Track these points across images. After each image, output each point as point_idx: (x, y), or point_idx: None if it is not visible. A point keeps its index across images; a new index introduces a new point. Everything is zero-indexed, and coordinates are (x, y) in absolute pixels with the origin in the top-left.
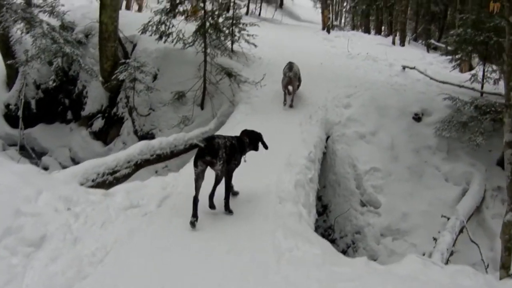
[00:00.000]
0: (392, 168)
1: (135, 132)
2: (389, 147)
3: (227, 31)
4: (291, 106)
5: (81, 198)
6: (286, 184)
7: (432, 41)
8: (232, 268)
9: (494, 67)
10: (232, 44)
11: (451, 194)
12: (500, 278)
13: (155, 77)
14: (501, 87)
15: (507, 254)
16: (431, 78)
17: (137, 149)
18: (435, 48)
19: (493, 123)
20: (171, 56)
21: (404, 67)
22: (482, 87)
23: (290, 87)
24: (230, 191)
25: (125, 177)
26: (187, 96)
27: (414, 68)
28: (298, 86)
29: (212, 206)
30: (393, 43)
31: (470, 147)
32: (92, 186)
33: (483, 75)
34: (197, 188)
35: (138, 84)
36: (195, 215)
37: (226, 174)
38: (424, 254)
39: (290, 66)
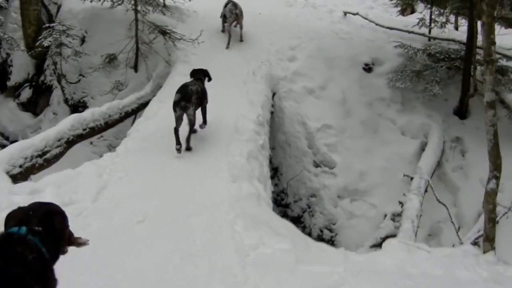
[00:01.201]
0: (345, 124)
1: (66, 101)
2: (340, 102)
3: None
4: (241, 40)
5: (3, 202)
6: (237, 157)
7: None
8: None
9: (442, 10)
10: None
11: (409, 148)
12: (484, 252)
13: (83, 40)
14: (449, 31)
15: (491, 226)
16: (376, 24)
17: (68, 124)
18: None
19: (447, 70)
20: (99, 16)
21: (345, 13)
22: (429, 31)
23: (236, 25)
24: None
25: (57, 157)
26: (119, 58)
27: (357, 14)
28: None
29: (188, 148)
30: None
31: (426, 97)
32: (20, 173)
33: (430, 19)
34: (178, 125)
35: (65, 49)
36: (178, 142)
37: (202, 111)
38: (386, 216)
39: (234, 3)
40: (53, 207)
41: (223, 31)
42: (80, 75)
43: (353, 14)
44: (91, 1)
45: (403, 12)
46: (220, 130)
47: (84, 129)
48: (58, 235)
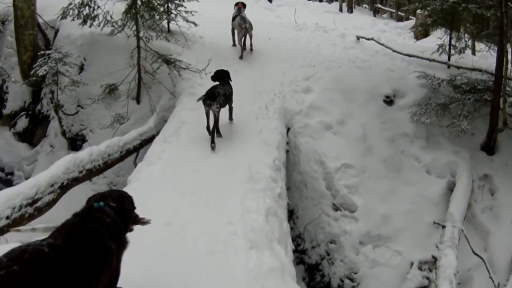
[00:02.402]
0: (366, 163)
1: (63, 133)
2: (360, 138)
3: (161, 9)
4: (251, 50)
5: None
6: (254, 215)
7: (379, 5)
8: None
9: (463, 34)
10: (168, 23)
11: (435, 189)
12: None
13: (81, 68)
14: (467, 57)
15: None
16: (393, 51)
17: (62, 167)
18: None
19: (473, 102)
20: (99, 43)
21: (358, 38)
22: (449, 58)
23: (247, 38)
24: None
25: (49, 205)
26: (120, 89)
27: (372, 39)
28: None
29: (219, 135)
30: (340, 10)
31: (453, 133)
32: (7, 226)
33: (450, 45)
34: (208, 120)
35: (62, 78)
36: (213, 141)
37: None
38: (413, 264)
39: (242, 17)
40: (124, 192)
41: (234, 45)
42: (79, 106)
43: (367, 39)
44: (90, 26)
45: (416, 37)
46: (234, 178)
47: (81, 172)
48: (127, 213)
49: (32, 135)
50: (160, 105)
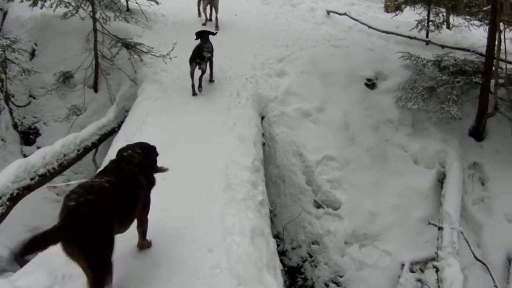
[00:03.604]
0: (349, 154)
1: (15, 126)
2: (342, 127)
3: None
4: (216, 27)
5: None
6: (237, 237)
7: None
8: None
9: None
10: (127, 1)
11: (423, 180)
12: None
13: (32, 55)
14: (446, 34)
15: None
16: (369, 27)
17: (10, 175)
18: None
19: (462, 85)
20: (51, 26)
21: (328, 12)
22: (427, 34)
23: (213, 11)
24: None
25: None
26: (76, 77)
27: (344, 14)
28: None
29: (200, 88)
30: None
31: (443, 119)
32: None
33: (428, 21)
34: (192, 78)
35: (11, 65)
36: (199, 87)
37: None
38: (404, 266)
39: None
40: (149, 144)
41: (199, 15)
42: (31, 96)
43: (339, 14)
44: (41, 8)
45: (387, 9)
46: (210, 185)
47: (33, 178)
48: (151, 158)
49: None
50: (120, 94)
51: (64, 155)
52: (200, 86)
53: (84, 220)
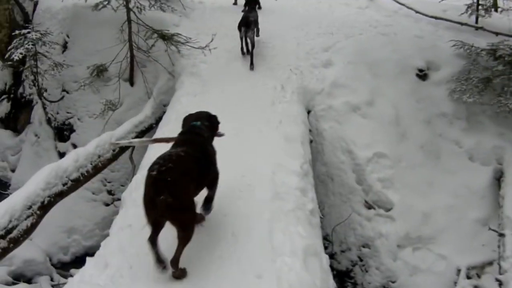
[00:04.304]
0: (401, 150)
1: (48, 121)
2: (393, 121)
3: None
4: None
5: None
6: (288, 258)
7: None
8: None
9: None
10: None
11: (479, 179)
12: None
13: (65, 47)
14: (496, 18)
15: None
16: (416, 12)
17: (41, 182)
18: None
19: None
20: (83, 16)
21: None
22: (476, 20)
23: None
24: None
25: (28, 232)
26: (110, 70)
27: None
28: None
29: (247, 52)
30: None
31: (493, 109)
32: None
33: (478, 5)
34: (242, 43)
35: (43, 59)
36: (252, 62)
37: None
38: (460, 271)
39: None
40: (210, 113)
41: (235, 1)
42: (64, 90)
43: None
44: None
45: None
46: (253, 195)
47: (65, 184)
48: (214, 127)
49: (15, 121)
50: (158, 87)
51: (99, 156)
52: (251, 62)
53: (168, 184)
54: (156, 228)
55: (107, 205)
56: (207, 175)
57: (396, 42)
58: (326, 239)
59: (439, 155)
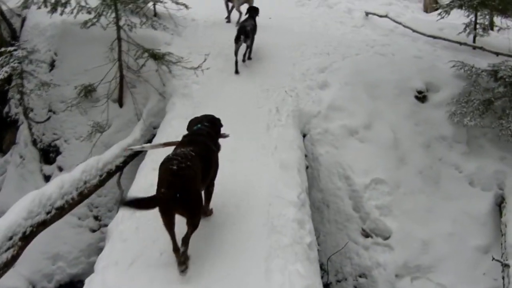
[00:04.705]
0: (399, 176)
1: (34, 142)
2: (391, 145)
3: None
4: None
5: None
6: None
7: None
8: None
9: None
10: (154, 6)
11: (480, 204)
12: None
13: (52, 65)
14: (494, 38)
15: None
16: (413, 31)
17: (23, 210)
18: None
19: None
20: (72, 33)
21: (367, 14)
22: (474, 39)
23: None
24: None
25: (8, 265)
26: (99, 90)
27: (386, 16)
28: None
29: (244, 60)
30: None
31: (495, 132)
32: None
33: (475, 23)
34: (236, 53)
35: (29, 77)
36: (244, 59)
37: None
38: None
39: None
40: (214, 116)
41: (228, 19)
42: (50, 111)
43: (380, 16)
44: (61, 14)
45: (426, 9)
46: (248, 229)
47: (49, 212)
48: (216, 130)
49: (1, 141)
50: (148, 109)
51: (85, 182)
52: (248, 57)
53: (186, 179)
54: (172, 227)
55: (94, 231)
56: (211, 171)
57: (394, 63)
58: (321, 268)
59: (438, 180)
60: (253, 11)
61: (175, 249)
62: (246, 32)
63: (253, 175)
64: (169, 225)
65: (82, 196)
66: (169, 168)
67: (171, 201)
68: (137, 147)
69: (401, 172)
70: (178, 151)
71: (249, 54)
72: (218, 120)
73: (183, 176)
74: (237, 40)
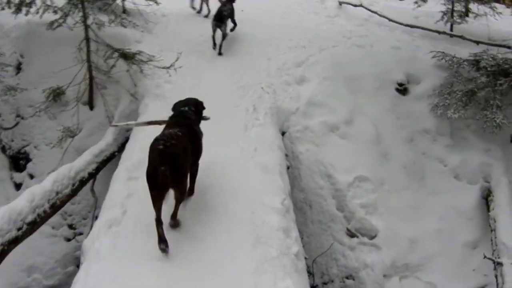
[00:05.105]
0: (383, 172)
1: (3, 149)
2: (374, 141)
3: None
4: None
5: None
6: None
7: None
8: None
9: None
10: (123, 2)
11: (467, 198)
12: None
13: (18, 68)
14: (471, 26)
15: None
16: (390, 20)
17: None
18: None
19: (507, 88)
20: (38, 34)
21: (340, 3)
22: (451, 27)
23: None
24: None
25: None
26: (68, 93)
27: (360, 5)
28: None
29: (220, 54)
30: None
31: (479, 124)
32: None
33: (452, 11)
34: (214, 38)
35: None
36: (220, 51)
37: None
38: None
39: None
40: (198, 99)
41: (195, 8)
42: (18, 116)
43: (354, 5)
44: (26, 14)
45: None
46: (232, 241)
47: (20, 228)
48: (200, 112)
49: None
50: (120, 111)
51: (57, 193)
52: (220, 50)
53: (172, 156)
54: (159, 202)
55: (68, 240)
56: (196, 152)
57: (372, 54)
58: (307, 271)
59: (423, 175)
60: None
61: (158, 220)
62: (221, 17)
63: (233, 181)
64: (156, 200)
65: (55, 207)
66: (157, 148)
67: (160, 176)
68: (122, 124)
69: (385, 168)
70: (166, 132)
71: (222, 39)
72: (201, 103)
73: (170, 154)
74: (213, 26)
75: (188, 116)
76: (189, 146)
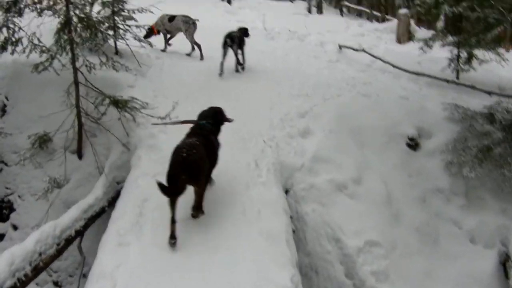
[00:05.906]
0: (395, 235)
1: None
2: (384, 201)
3: (105, 25)
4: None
5: None
6: None
7: (346, 2)
8: None
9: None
10: (115, 42)
11: (483, 263)
12: None
13: (3, 111)
14: (478, 74)
15: None
16: (394, 66)
17: None
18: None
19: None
20: (25, 75)
21: (340, 47)
22: (457, 75)
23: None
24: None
25: None
26: (55, 140)
27: (363, 50)
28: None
29: (237, 70)
30: (309, 10)
31: (493, 181)
32: None
33: (458, 57)
34: (224, 56)
35: None
36: (237, 69)
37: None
38: None
39: (184, 15)
40: (217, 108)
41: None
42: (2, 162)
43: (355, 50)
44: (12, 53)
45: (399, 40)
46: None
47: None
48: (219, 121)
49: None
50: (110, 161)
51: (40, 254)
52: (236, 67)
53: (193, 163)
54: (174, 202)
55: None
56: (212, 158)
57: (379, 104)
58: None
59: (437, 238)
60: (242, 29)
61: (173, 219)
62: (231, 37)
63: (236, 252)
64: (173, 201)
65: (37, 270)
66: (180, 155)
67: (180, 182)
68: (160, 123)
69: (396, 231)
70: (187, 141)
71: (238, 62)
72: (219, 112)
73: (191, 161)
74: (224, 45)
75: (205, 128)
76: (206, 152)
